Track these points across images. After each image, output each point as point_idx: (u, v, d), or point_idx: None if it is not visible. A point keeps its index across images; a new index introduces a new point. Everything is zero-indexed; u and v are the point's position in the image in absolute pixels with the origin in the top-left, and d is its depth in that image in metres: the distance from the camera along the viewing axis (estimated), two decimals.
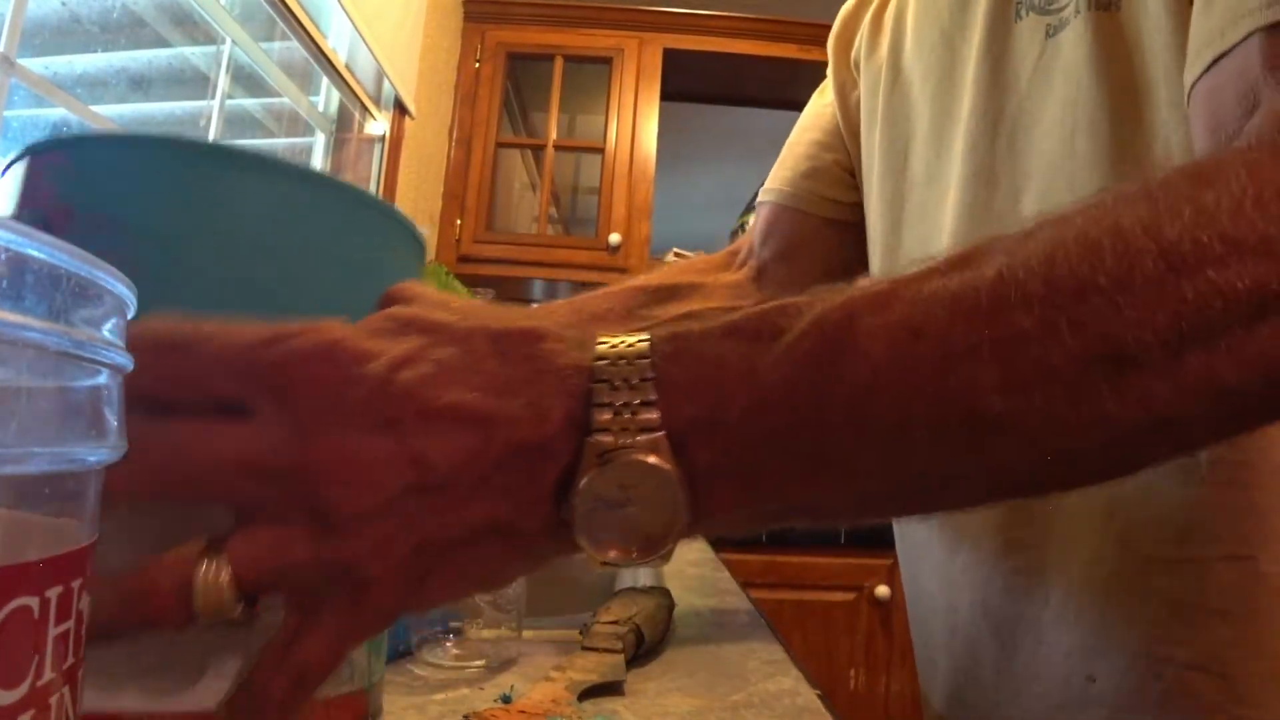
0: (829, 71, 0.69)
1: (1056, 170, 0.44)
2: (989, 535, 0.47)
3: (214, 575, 0.22)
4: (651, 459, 0.23)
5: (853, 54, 0.65)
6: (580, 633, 0.51)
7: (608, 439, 0.23)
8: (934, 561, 0.52)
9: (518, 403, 0.23)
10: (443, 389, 0.23)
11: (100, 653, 0.21)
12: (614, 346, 0.24)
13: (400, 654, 0.50)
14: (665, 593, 0.59)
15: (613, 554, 0.24)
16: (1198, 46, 0.33)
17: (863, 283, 0.25)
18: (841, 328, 0.23)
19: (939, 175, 0.53)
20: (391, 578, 0.23)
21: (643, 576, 0.87)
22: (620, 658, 0.47)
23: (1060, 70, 0.44)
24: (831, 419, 0.23)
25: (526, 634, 0.57)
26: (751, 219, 0.70)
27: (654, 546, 0.24)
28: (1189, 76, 0.34)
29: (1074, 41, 0.43)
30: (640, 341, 0.24)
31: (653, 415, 0.23)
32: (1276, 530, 0.38)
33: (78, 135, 0.30)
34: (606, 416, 0.23)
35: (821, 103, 0.70)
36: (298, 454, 0.22)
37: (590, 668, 0.45)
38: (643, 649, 0.51)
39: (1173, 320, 0.22)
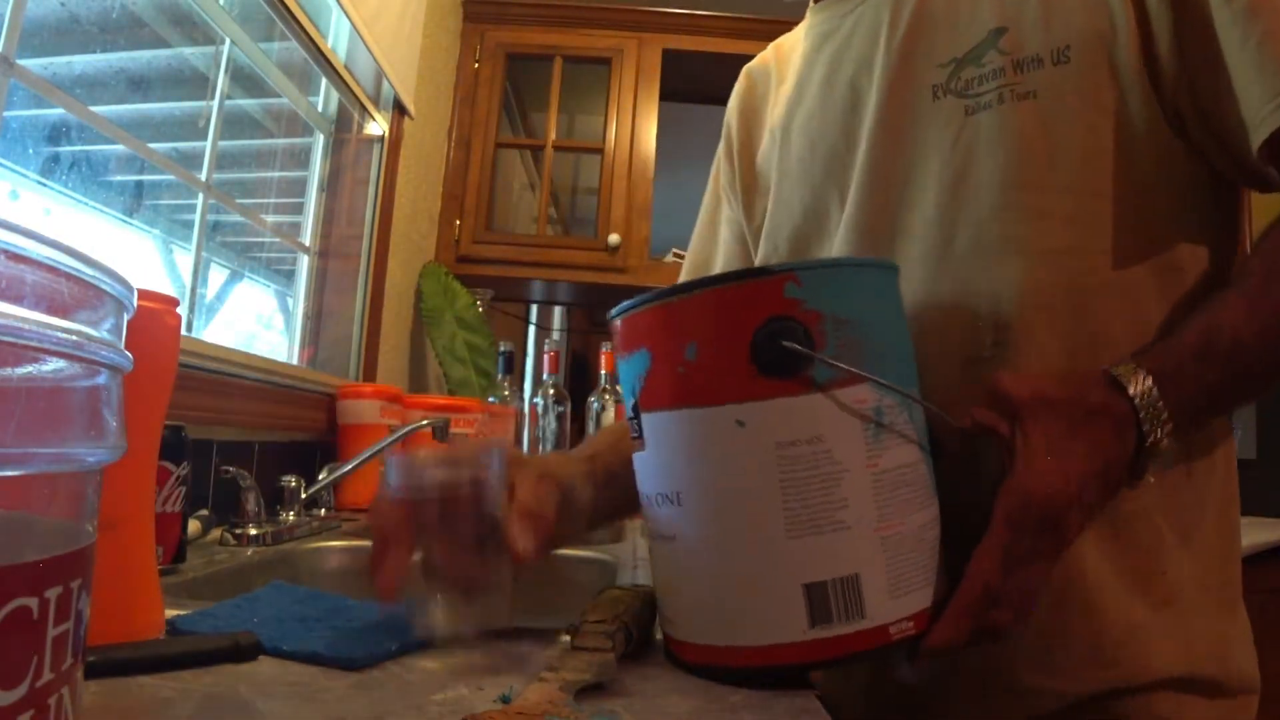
0: (710, 198, 0.80)
1: (941, 220, 0.57)
2: None
3: None
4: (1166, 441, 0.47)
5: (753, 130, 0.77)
6: (568, 632, 0.51)
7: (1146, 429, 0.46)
8: None
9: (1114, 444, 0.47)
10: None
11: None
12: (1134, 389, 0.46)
13: (396, 654, 0.50)
14: (650, 591, 0.59)
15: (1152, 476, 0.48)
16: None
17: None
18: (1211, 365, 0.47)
19: (833, 221, 0.64)
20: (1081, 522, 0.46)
21: (641, 577, 0.87)
22: (611, 656, 0.47)
23: (983, 141, 0.55)
24: (1226, 399, 0.50)
25: (520, 635, 0.57)
26: None
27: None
28: (1261, 135, 0.48)
29: (997, 120, 0.54)
30: (1147, 382, 0.46)
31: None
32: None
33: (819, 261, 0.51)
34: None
35: (702, 225, 0.80)
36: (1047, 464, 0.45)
37: (582, 667, 0.45)
38: (630, 647, 0.51)
39: None
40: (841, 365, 0.43)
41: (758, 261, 0.72)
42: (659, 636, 0.55)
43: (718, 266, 0.78)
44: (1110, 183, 0.53)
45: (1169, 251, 0.54)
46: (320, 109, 1.73)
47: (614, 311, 0.48)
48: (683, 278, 0.80)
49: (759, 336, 0.42)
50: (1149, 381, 0.46)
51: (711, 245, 0.79)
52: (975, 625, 0.43)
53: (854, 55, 0.63)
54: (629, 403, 0.48)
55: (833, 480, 0.42)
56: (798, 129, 0.68)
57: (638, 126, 2.23)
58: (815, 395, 0.42)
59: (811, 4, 0.71)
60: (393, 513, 0.50)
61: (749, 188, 0.75)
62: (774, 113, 0.72)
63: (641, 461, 0.49)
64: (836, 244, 0.63)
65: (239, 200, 1.45)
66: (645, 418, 0.47)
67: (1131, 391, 0.46)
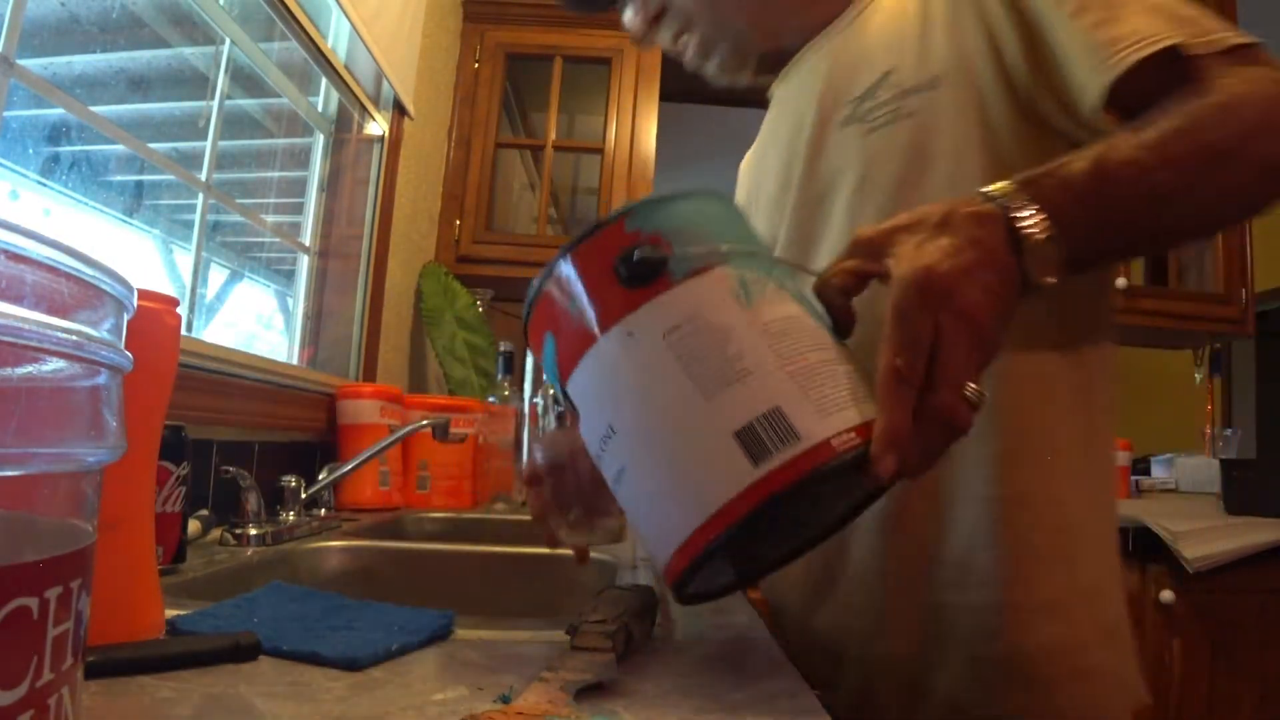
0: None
1: (850, 218, 0.69)
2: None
3: None
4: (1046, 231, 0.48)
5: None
6: (568, 632, 0.51)
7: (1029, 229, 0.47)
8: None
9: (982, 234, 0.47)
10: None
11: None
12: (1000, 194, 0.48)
13: (396, 654, 0.50)
14: (649, 590, 0.59)
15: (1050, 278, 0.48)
16: (1101, 64, 0.56)
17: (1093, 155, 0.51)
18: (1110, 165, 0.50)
19: (777, 238, 0.77)
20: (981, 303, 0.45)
21: (642, 577, 0.87)
22: (611, 656, 0.47)
23: (878, 154, 0.68)
24: (1117, 208, 0.50)
25: (518, 634, 0.57)
26: None
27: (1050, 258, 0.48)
28: (1106, 80, 0.56)
29: (887, 136, 0.68)
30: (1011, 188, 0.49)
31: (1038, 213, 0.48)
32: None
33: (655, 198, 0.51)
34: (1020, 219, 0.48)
35: None
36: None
37: (582, 667, 0.45)
38: (631, 647, 0.51)
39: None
40: (691, 250, 0.48)
41: None
42: (657, 633, 0.55)
43: None
44: (980, 176, 0.62)
45: None
46: (320, 109, 1.73)
47: (522, 326, 0.54)
48: None
49: (616, 263, 0.48)
50: (1011, 188, 0.48)
51: None
52: (914, 413, 0.43)
53: (789, 111, 0.79)
54: (559, 390, 0.52)
55: (722, 342, 0.46)
56: (763, 180, 0.83)
57: (638, 126, 2.23)
58: (680, 285, 0.47)
59: (771, 92, 0.87)
60: (544, 479, 0.66)
61: None
62: (749, 170, 0.90)
63: (582, 430, 0.51)
64: (777, 254, 0.75)
65: (239, 200, 1.45)
66: (569, 389, 0.51)
67: (997, 197, 0.48)
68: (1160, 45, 0.53)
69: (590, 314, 0.48)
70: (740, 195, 0.91)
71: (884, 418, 0.43)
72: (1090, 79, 0.57)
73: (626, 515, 0.52)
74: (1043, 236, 0.47)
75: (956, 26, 0.66)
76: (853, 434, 0.43)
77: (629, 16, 0.80)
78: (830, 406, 0.44)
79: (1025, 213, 0.47)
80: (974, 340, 0.44)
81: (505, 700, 0.42)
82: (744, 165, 0.94)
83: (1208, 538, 1.75)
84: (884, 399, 0.43)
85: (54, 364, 0.19)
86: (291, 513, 1.08)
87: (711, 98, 2.57)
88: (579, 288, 0.49)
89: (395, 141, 1.84)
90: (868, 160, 0.68)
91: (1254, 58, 0.53)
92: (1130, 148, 0.50)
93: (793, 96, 0.79)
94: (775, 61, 0.81)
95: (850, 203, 0.69)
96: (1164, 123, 0.51)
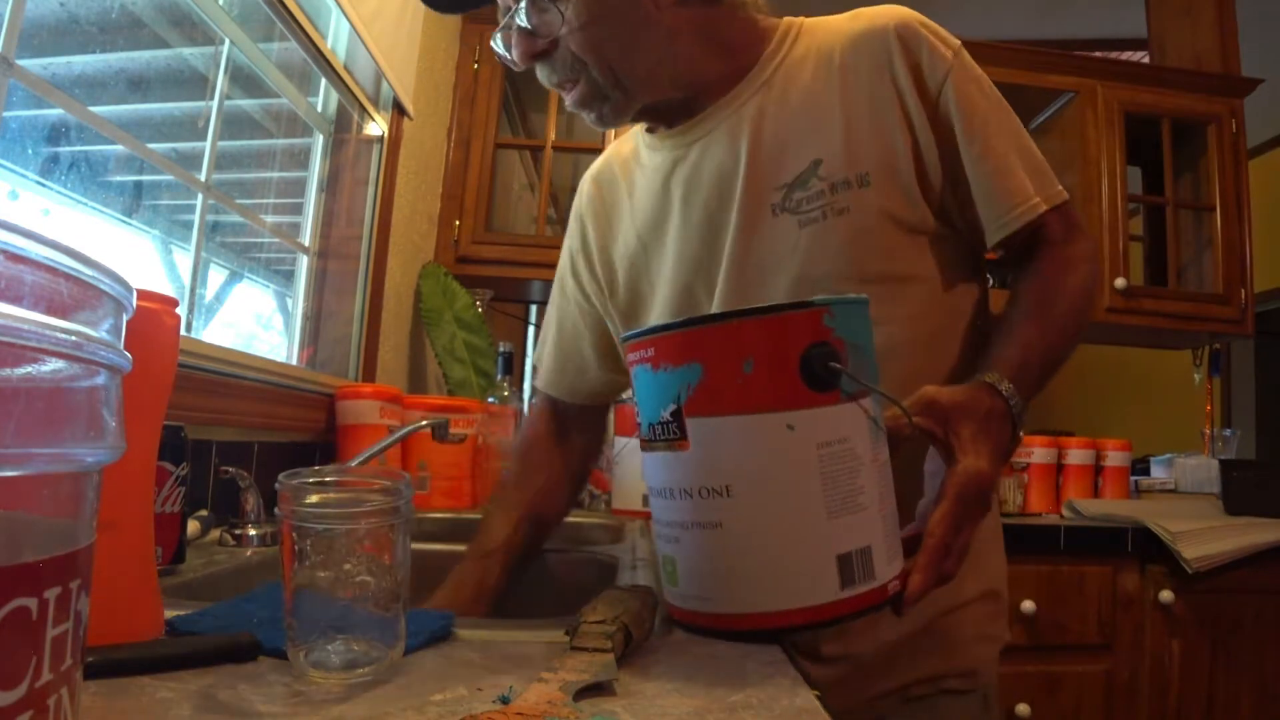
0: (572, 281, 0.93)
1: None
2: None
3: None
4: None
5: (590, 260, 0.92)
6: (568, 632, 0.51)
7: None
8: None
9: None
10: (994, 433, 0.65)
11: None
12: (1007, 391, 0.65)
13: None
14: (649, 591, 0.59)
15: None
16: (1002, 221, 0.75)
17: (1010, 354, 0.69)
18: (1028, 369, 0.68)
19: (703, 306, 0.81)
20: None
21: (641, 577, 0.87)
22: (611, 657, 0.47)
23: (813, 248, 0.74)
24: (1038, 390, 0.70)
25: (518, 635, 0.57)
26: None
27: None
28: (999, 236, 0.75)
29: (822, 231, 0.74)
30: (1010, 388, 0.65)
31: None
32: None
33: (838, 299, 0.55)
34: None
35: (566, 305, 0.94)
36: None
37: (582, 668, 0.45)
38: (630, 647, 0.51)
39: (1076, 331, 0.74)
40: (861, 381, 0.54)
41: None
42: (657, 633, 0.55)
43: (578, 331, 0.94)
44: (906, 267, 0.74)
45: (953, 304, 0.77)
46: (320, 109, 1.73)
47: (660, 326, 0.56)
48: (549, 341, 0.95)
49: (808, 357, 0.52)
50: (1012, 387, 0.65)
51: (573, 314, 0.95)
52: (938, 573, 0.58)
53: (706, 180, 0.79)
54: (666, 408, 0.55)
55: (855, 471, 0.53)
56: (670, 242, 0.83)
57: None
58: (844, 405, 0.53)
59: (649, 133, 0.85)
60: None
61: (610, 276, 0.89)
62: (635, 220, 0.86)
63: (675, 460, 0.55)
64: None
65: (238, 200, 1.45)
66: (692, 422, 0.54)
67: (1007, 398, 0.64)
68: (1036, 212, 0.73)
69: (760, 385, 0.52)
70: (594, 206, 0.90)
71: (922, 577, 0.57)
72: (989, 225, 0.75)
73: (690, 554, 0.57)
74: (1023, 426, 0.66)
75: (881, 126, 0.74)
76: (896, 581, 0.56)
77: (502, 46, 0.77)
78: (892, 552, 0.56)
79: (1020, 419, 0.65)
80: (982, 520, 0.61)
81: (505, 700, 0.42)
82: (604, 180, 0.91)
83: (1207, 538, 1.75)
84: (928, 564, 0.57)
85: (53, 364, 0.19)
86: None
87: None
88: (761, 355, 0.52)
89: (395, 142, 1.84)
90: (805, 251, 0.74)
91: (1071, 214, 0.76)
92: (1048, 331, 0.71)
93: (702, 159, 0.79)
94: (660, 111, 0.80)
95: (791, 286, 0.74)
96: (1061, 305, 0.72)
